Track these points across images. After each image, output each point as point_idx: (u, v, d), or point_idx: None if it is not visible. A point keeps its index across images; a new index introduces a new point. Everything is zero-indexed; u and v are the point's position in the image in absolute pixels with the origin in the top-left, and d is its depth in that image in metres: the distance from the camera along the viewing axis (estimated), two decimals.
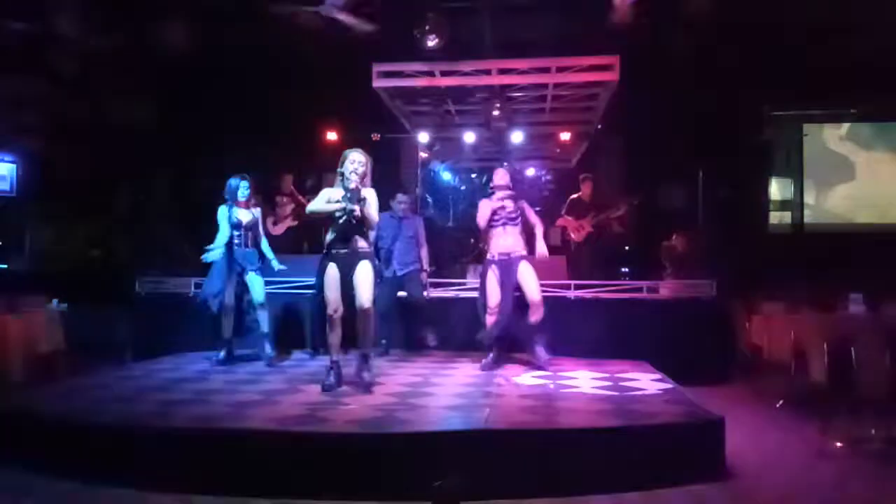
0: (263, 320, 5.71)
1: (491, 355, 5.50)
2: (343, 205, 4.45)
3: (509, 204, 5.49)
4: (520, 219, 5.52)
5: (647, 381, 4.92)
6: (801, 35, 7.67)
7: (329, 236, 4.61)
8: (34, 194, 8.76)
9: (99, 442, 3.65)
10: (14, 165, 8.69)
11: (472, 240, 9.37)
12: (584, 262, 7.91)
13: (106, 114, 8.44)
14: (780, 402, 5.49)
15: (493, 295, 5.41)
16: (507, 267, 5.39)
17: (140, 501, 3.37)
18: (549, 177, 10.61)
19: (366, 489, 3.36)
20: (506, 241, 5.46)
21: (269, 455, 3.48)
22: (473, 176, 10.85)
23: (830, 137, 9.92)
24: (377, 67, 7.60)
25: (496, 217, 5.49)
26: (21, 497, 3.42)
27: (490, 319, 5.44)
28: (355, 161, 4.55)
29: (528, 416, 3.91)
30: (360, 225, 4.55)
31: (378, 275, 4.72)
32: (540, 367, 5.33)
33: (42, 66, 8.03)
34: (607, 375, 5.14)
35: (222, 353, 5.66)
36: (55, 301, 6.30)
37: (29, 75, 8.29)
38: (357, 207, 4.43)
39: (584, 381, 4.96)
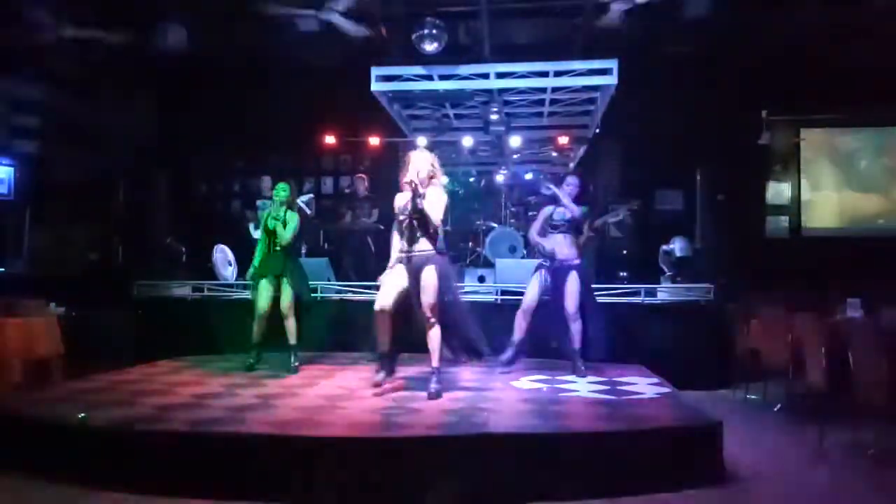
0: (290, 331, 5.52)
1: (509, 352, 5.46)
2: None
3: (569, 212, 5.46)
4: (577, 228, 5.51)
5: (644, 386, 4.92)
6: (800, 40, 7.70)
7: (394, 240, 4.57)
8: (32, 197, 8.75)
9: (96, 446, 3.64)
10: (12, 169, 8.67)
11: (470, 243, 9.37)
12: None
13: (104, 116, 8.45)
14: (778, 406, 5.49)
15: (530, 295, 5.43)
16: (559, 273, 5.38)
17: None
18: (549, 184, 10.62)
19: (364, 494, 3.35)
20: (562, 248, 5.42)
21: (267, 459, 3.47)
22: (471, 180, 10.86)
23: (828, 142, 9.95)
24: (376, 71, 7.61)
25: (557, 222, 5.46)
26: (18, 501, 3.42)
27: (520, 321, 5.44)
28: (417, 160, 4.52)
29: (527, 420, 3.91)
30: (423, 225, 4.46)
31: (448, 276, 4.56)
32: (577, 374, 5.27)
33: (40, 68, 8.04)
34: (605, 380, 5.14)
35: (250, 359, 5.50)
36: (53, 304, 6.29)
37: (26, 78, 8.30)
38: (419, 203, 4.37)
39: (581, 385, 4.96)
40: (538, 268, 5.52)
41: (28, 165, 8.73)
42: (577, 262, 5.45)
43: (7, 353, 5.27)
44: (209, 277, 7.60)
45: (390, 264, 4.61)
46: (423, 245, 4.47)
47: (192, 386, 4.87)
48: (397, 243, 4.60)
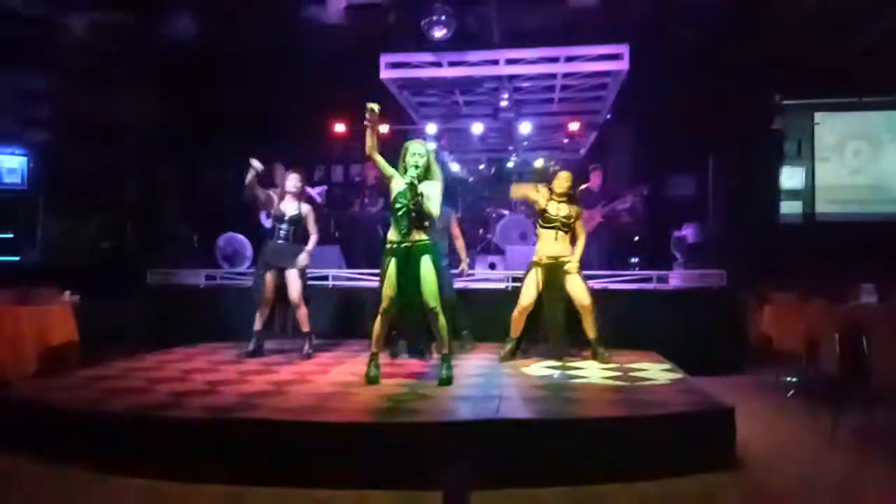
0: (301, 319, 5.56)
1: (509, 346, 5.46)
2: None
3: (564, 208, 5.38)
4: (572, 226, 5.40)
5: (657, 372, 4.91)
6: (814, 22, 7.59)
7: (390, 230, 4.55)
8: (45, 187, 8.82)
9: (111, 432, 3.68)
10: (25, 159, 8.75)
11: (481, 230, 9.36)
12: (594, 253, 7.88)
13: (116, 107, 8.48)
14: (792, 392, 5.47)
15: (528, 295, 5.33)
16: (554, 272, 5.32)
17: (151, 490, 3.40)
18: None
19: (375, 479, 3.37)
20: (555, 245, 5.35)
21: (280, 444, 3.50)
22: (481, 167, 10.83)
23: (842, 126, 9.83)
24: (385, 58, 7.58)
25: (549, 219, 5.38)
26: (34, 486, 3.47)
27: (517, 322, 5.40)
28: (415, 154, 4.46)
29: (539, 406, 3.92)
30: (419, 218, 4.44)
31: (441, 266, 4.59)
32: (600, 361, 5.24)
33: (52, 59, 8.08)
34: (617, 366, 5.13)
35: (250, 346, 5.57)
36: (67, 293, 6.34)
37: (39, 69, 8.34)
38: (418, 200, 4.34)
39: (593, 371, 4.95)
40: (531, 266, 5.42)
41: (41, 156, 8.79)
42: (569, 258, 5.35)
43: (22, 342, 5.32)
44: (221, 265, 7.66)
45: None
46: (420, 236, 4.47)
47: (205, 373, 4.91)
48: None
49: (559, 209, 5.38)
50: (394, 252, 4.46)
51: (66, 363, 5.65)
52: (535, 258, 5.43)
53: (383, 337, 4.60)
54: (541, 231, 5.44)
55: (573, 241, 5.44)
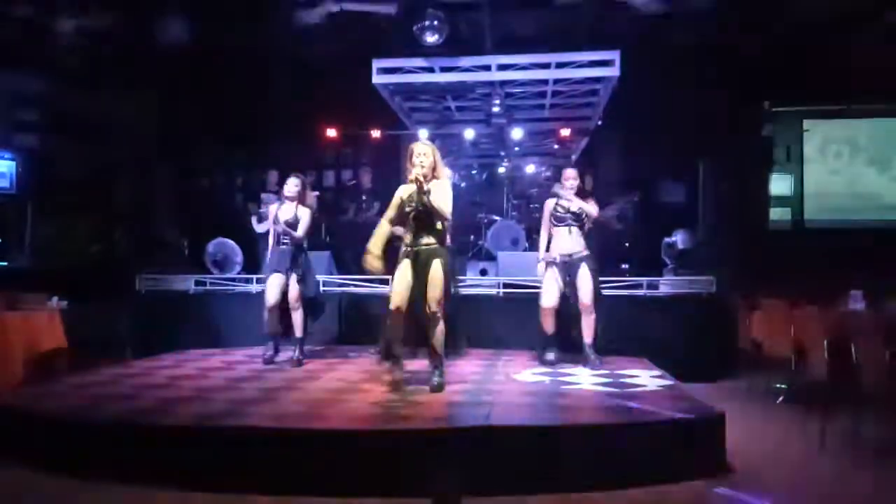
0: (296, 324, 5.57)
1: (552, 353, 5.49)
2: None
3: (575, 205, 5.42)
4: (586, 219, 5.45)
5: (647, 378, 4.92)
6: (802, 30, 7.66)
7: (405, 232, 4.56)
8: (34, 191, 8.75)
9: (99, 439, 3.65)
10: (14, 162, 8.68)
11: (472, 236, 9.36)
12: None
13: (105, 110, 8.44)
14: (781, 398, 5.49)
15: (550, 295, 5.37)
16: (569, 268, 5.38)
17: (140, 498, 3.37)
18: (548, 173, 10.60)
19: (366, 486, 3.36)
20: (567, 241, 5.41)
21: (269, 452, 3.48)
22: (473, 172, 10.84)
23: (831, 133, 9.91)
24: (377, 63, 7.59)
25: (560, 217, 5.44)
26: (21, 495, 3.43)
27: (546, 321, 5.42)
28: (420, 154, 4.47)
29: (530, 412, 3.92)
30: (430, 219, 4.44)
31: (453, 272, 4.59)
32: (591, 368, 5.27)
33: (42, 61, 8.03)
34: (607, 372, 5.14)
35: (269, 352, 5.62)
36: (55, 298, 6.29)
37: (29, 71, 8.29)
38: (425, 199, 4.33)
39: (584, 377, 4.96)
40: (548, 265, 5.46)
41: (30, 159, 8.73)
42: (585, 253, 5.43)
43: (10, 348, 5.28)
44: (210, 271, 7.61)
45: (370, 245, 4.52)
46: (429, 239, 4.47)
47: (194, 379, 4.89)
48: (382, 229, 4.56)
49: (569, 205, 5.43)
50: (405, 255, 4.49)
51: (54, 370, 5.61)
52: (550, 257, 5.46)
53: (401, 337, 4.54)
54: (554, 229, 5.50)
55: (587, 236, 5.51)
